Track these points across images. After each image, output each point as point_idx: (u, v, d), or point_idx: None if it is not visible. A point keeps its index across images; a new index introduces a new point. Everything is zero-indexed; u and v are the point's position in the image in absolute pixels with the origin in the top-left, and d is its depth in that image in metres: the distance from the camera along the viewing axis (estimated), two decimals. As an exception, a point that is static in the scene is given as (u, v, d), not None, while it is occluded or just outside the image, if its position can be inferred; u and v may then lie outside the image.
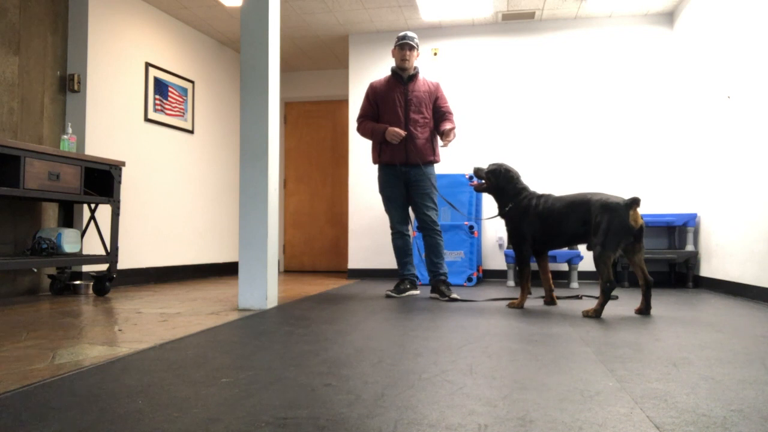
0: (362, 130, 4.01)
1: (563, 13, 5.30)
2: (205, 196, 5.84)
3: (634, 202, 2.92)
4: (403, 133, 3.78)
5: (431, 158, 3.94)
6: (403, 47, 3.89)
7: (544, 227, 3.27)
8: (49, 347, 2.13)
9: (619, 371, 1.73)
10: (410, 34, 3.92)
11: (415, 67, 3.97)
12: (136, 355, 1.97)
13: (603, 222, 2.97)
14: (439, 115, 3.95)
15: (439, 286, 3.84)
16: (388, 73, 4.09)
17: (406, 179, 3.93)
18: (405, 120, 3.87)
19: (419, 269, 4.75)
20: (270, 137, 3.34)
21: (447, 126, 3.83)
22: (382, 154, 3.94)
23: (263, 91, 3.34)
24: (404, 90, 3.91)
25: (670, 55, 5.26)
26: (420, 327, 2.59)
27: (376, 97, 3.97)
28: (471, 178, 5.15)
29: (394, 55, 3.98)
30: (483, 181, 3.55)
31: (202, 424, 1.24)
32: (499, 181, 3.47)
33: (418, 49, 3.96)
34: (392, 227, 4.00)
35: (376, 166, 4.07)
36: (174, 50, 5.39)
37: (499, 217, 3.91)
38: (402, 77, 3.94)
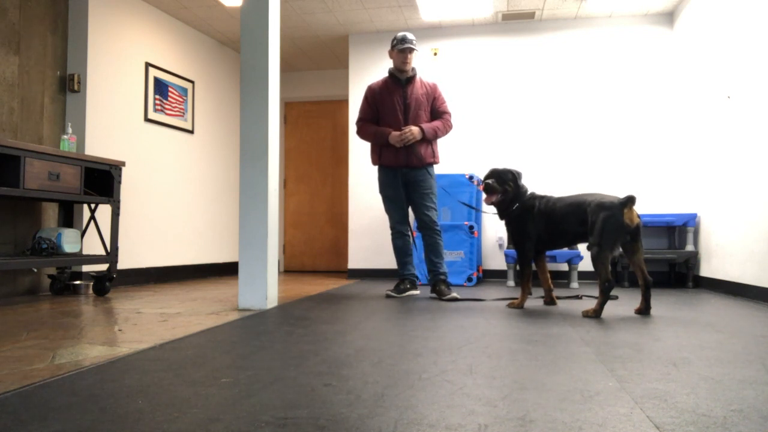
0: (362, 133, 4.00)
1: (563, 13, 5.30)
2: (205, 196, 5.84)
3: (630, 201, 2.93)
4: (406, 132, 3.78)
5: (431, 160, 3.94)
6: (404, 51, 3.87)
7: (545, 228, 3.27)
8: (49, 347, 2.13)
9: (619, 371, 1.73)
10: (409, 36, 3.90)
11: (413, 69, 3.96)
12: (136, 355, 1.97)
13: (598, 221, 2.97)
14: (436, 115, 3.95)
15: (439, 285, 3.84)
16: (386, 74, 4.08)
17: (405, 180, 3.94)
18: (405, 123, 3.87)
19: (419, 269, 4.75)
20: (270, 137, 3.34)
21: (426, 124, 3.85)
22: (381, 156, 3.94)
23: (263, 91, 3.34)
24: (403, 93, 3.91)
25: (670, 55, 5.26)
26: (420, 327, 2.59)
27: (375, 100, 3.97)
28: (471, 177, 5.15)
29: (392, 57, 3.96)
30: (492, 195, 3.42)
31: (202, 424, 1.24)
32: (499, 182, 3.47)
33: (416, 50, 3.95)
34: (392, 227, 4.00)
35: (376, 167, 4.07)
36: (174, 50, 5.38)
37: (498, 216, 3.86)
38: (400, 79, 3.94)
